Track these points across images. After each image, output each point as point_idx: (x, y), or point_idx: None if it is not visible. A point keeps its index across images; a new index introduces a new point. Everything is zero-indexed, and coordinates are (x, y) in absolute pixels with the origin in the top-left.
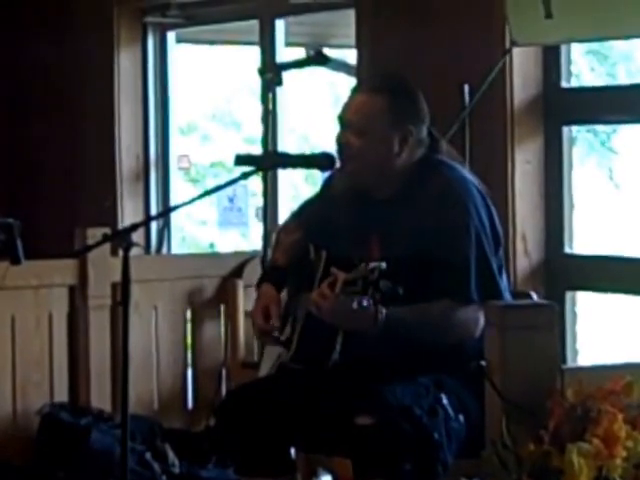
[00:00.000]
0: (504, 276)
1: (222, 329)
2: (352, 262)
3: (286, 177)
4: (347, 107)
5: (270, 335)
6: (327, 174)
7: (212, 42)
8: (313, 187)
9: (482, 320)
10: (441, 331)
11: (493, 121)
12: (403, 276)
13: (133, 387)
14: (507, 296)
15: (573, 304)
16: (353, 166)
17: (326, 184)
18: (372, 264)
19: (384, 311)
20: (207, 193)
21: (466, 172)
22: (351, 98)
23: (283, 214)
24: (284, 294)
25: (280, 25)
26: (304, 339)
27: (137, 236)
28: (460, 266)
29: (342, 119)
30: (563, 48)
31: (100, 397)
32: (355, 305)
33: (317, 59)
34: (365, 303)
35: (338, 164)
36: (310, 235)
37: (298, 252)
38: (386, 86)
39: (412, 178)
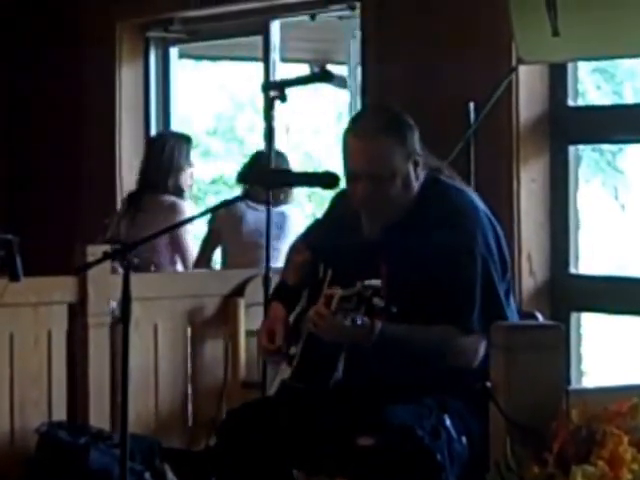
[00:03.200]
0: (512, 300)
1: (222, 348)
2: (354, 281)
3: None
4: (355, 158)
5: (273, 354)
6: (333, 196)
7: (215, 58)
8: (316, 205)
9: (482, 351)
10: (437, 355)
11: (498, 139)
12: (408, 299)
13: (132, 406)
14: (515, 320)
15: (578, 325)
16: (388, 210)
17: (332, 206)
18: (367, 282)
19: (379, 324)
20: (209, 210)
21: (472, 193)
22: (353, 148)
23: None
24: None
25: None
26: (305, 358)
27: None
28: (464, 294)
29: (353, 171)
30: (570, 66)
31: (99, 416)
32: (348, 322)
33: (321, 76)
34: (359, 321)
35: (363, 211)
36: (318, 256)
37: (308, 271)
38: (382, 123)
39: (419, 201)
